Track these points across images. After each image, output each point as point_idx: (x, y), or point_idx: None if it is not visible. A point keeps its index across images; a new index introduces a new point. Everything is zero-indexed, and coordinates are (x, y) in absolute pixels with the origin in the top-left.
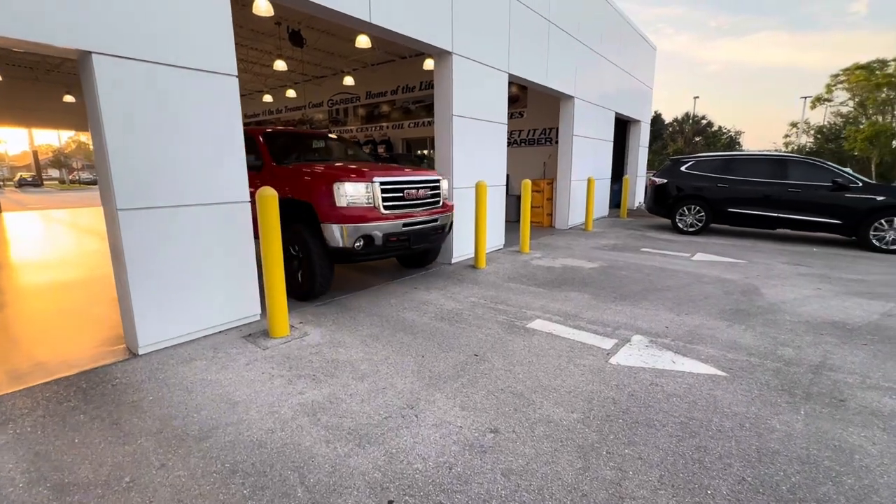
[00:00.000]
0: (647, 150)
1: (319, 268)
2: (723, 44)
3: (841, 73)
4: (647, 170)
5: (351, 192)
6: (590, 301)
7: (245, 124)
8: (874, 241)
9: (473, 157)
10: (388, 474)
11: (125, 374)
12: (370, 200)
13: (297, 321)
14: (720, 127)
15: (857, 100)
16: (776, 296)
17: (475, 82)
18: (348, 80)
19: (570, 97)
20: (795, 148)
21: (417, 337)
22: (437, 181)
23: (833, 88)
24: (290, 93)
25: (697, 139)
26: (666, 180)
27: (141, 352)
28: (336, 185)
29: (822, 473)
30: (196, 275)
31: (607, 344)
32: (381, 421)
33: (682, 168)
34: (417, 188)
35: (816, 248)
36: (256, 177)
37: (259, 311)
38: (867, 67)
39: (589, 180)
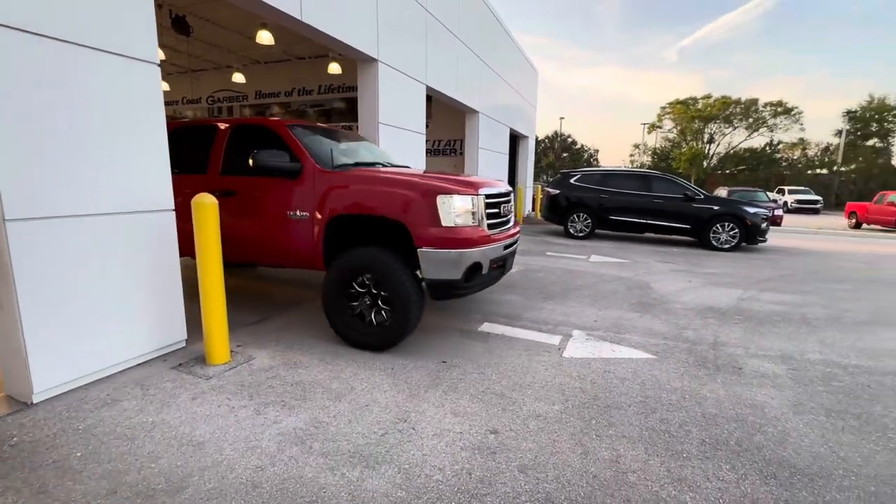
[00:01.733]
0: (533, 163)
1: (415, 306)
2: (578, 72)
3: (667, 105)
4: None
5: (459, 209)
6: (524, 302)
7: None
8: (713, 242)
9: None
10: (412, 491)
11: (24, 431)
12: (476, 218)
13: (233, 344)
14: (582, 145)
15: (678, 128)
16: (663, 289)
17: (398, 92)
18: (238, 77)
19: (476, 112)
20: (638, 165)
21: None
22: (512, 193)
23: (662, 118)
24: (164, 86)
25: (565, 155)
26: (558, 191)
27: (36, 399)
28: (441, 200)
29: (751, 426)
30: (105, 297)
31: (555, 340)
32: (380, 439)
33: (571, 180)
34: (509, 202)
35: (675, 249)
36: (294, 185)
37: (185, 335)
38: (684, 103)
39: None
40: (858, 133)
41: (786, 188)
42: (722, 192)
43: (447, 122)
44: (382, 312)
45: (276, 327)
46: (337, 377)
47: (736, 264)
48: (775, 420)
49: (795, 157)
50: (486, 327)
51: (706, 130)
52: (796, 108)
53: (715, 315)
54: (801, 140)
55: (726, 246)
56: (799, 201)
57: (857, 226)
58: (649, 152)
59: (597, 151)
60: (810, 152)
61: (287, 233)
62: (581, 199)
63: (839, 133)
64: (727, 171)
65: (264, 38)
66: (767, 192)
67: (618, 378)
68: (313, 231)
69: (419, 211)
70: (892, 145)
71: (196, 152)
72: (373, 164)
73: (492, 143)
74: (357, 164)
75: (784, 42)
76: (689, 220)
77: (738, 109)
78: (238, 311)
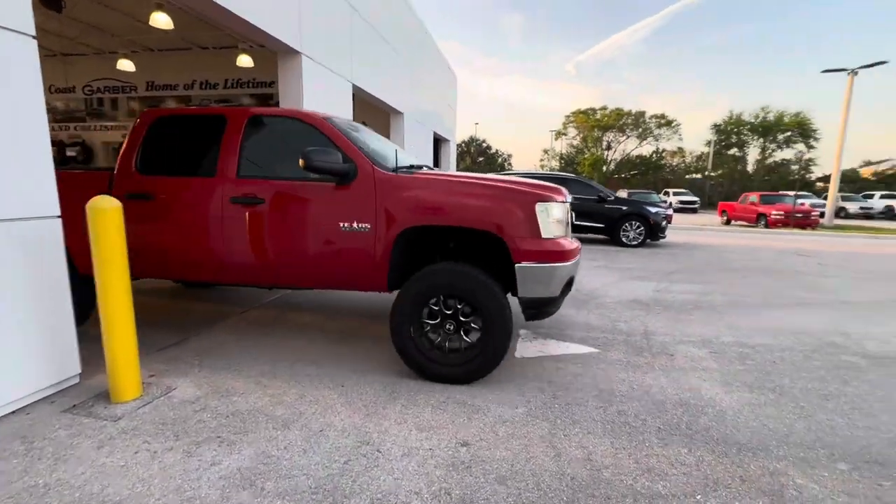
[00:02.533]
0: (456, 167)
1: (508, 329)
2: (487, 80)
3: (571, 115)
4: None
5: (555, 217)
6: None
7: None
8: (623, 239)
9: None
10: None
11: None
12: (565, 228)
13: (145, 374)
14: (497, 150)
15: (581, 136)
16: (591, 284)
17: (324, 88)
18: (125, 65)
19: (401, 113)
20: (548, 169)
21: (323, 365)
22: None
23: (567, 126)
24: None
25: (481, 159)
26: None
27: None
28: (539, 208)
29: (695, 409)
30: None
31: None
32: (343, 467)
33: None
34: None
35: (592, 246)
36: (347, 191)
37: (78, 369)
38: (585, 113)
39: None
40: (723, 143)
41: (670, 190)
42: (623, 194)
43: (369, 122)
44: (466, 339)
45: (197, 349)
46: (280, 402)
47: (645, 259)
48: (712, 401)
49: (676, 164)
50: None
51: (604, 138)
52: (675, 120)
53: (640, 307)
54: (680, 149)
55: (634, 242)
56: (681, 201)
57: (728, 222)
58: (557, 157)
59: (510, 156)
60: (688, 159)
61: (340, 249)
62: None
63: (708, 143)
64: (623, 176)
65: (160, 21)
66: (660, 195)
67: (571, 374)
68: (375, 246)
69: (518, 221)
70: (748, 154)
71: (195, 150)
72: (419, 167)
73: (416, 146)
74: (411, 167)
75: (665, 62)
76: (603, 219)
77: (629, 120)
78: (149, 333)
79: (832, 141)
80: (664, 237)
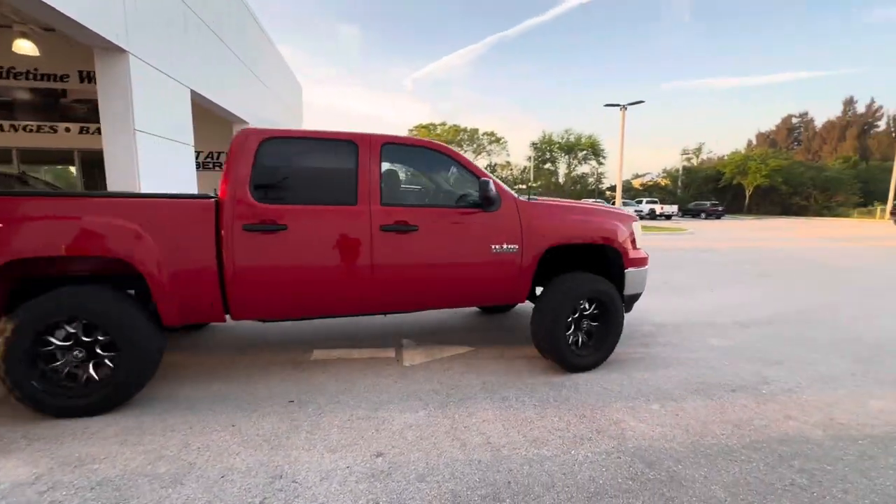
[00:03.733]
0: None
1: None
2: (322, 89)
3: (414, 128)
4: None
5: (640, 234)
6: (340, 322)
7: None
8: None
9: (165, 181)
10: None
11: None
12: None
13: None
14: None
15: None
16: None
17: (158, 94)
18: None
19: (245, 122)
20: None
21: (200, 410)
22: None
23: None
24: None
25: None
26: None
27: None
28: (636, 225)
29: (558, 384)
30: None
31: (390, 353)
32: None
33: None
34: None
35: None
36: (494, 217)
37: None
38: (427, 127)
39: None
40: (539, 158)
41: None
42: None
43: (206, 132)
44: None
45: (13, 417)
46: (162, 456)
47: None
48: (567, 376)
49: (506, 176)
50: (319, 354)
51: None
52: (503, 137)
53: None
54: (508, 162)
55: None
56: None
57: None
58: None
59: None
60: (514, 172)
61: (491, 268)
62: None
63: (529, 158)
64: None
65: None
66: None
67: (457, 373)
68: (521, 263)
69: (626, 237)
70: (559, 168)
71: (319, 176)
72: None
73: None
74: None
75: (488, 84)
76: None
77: (465, 136)
78: None
79: (616, 158)
80: None
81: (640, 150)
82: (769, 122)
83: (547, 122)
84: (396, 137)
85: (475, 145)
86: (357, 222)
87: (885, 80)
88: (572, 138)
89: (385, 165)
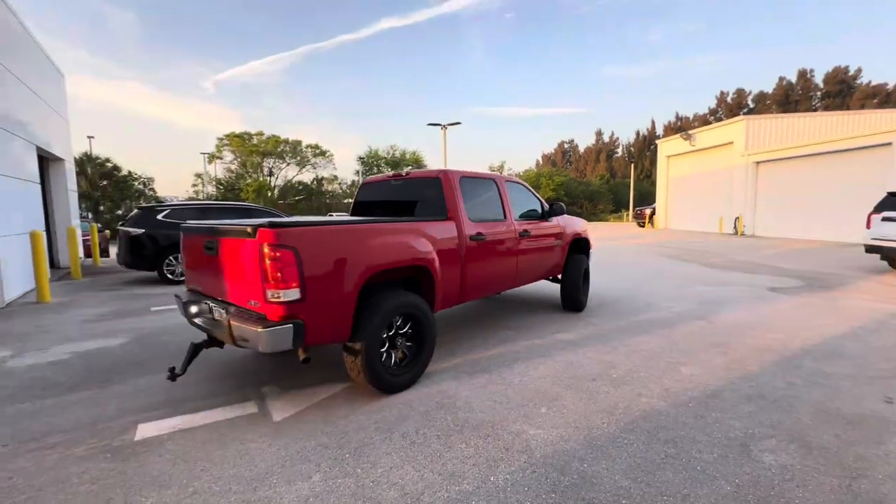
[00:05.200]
0: (76, 194)
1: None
2: (82, 80)
3: (224, 137)
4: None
5: None
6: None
7: None
8: None
9: None
10: None
11: None
12: None
13: None
14: (131, 172)
15: (240, 160)
16: None
17: None
18: None
19: None
20: (204, 196)
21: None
22: None
23: (221, 149)
24: None
25: (104, 182)
26: (142, 230)
27: None
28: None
29: (451, 406)
30: None
31: (252, 408)
32: None
33: (159, 217)
34: None
35: None
36: (550, 224)
37: None
38: (241, 136)
39: (35, 234)
40: (368, 172)
41: (333, 214)
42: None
43: None
44: None
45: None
46: None
47: None
48: (455, 394)
49: (333, 190)
50: (147, 430)
51: (265, 164)
52: (329, 150)
53: None
54: (335, 176)
55: None
56: None
57: None
58: (214, 182)
59: (152, 180)
60: (343, 186)
61: (554, 255)
62: (176, 237)
63: (357, 172)
64: (289, 202)
65: None
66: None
67: (339, 416)
68: (562, 253)
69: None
70: None
71: (485, 203)
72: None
73: (14, 168)
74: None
75: (306, 95)
76: None
77: (287, 148)
78: None
79: None
80: None
81: (455, 167)
82: (550, 146)
83: (370, 137)
84: (511, 177)
85: (298, 158)
86: (510, 230)
87: (618, 115)
88: (398, 154)
89: (511, 192)
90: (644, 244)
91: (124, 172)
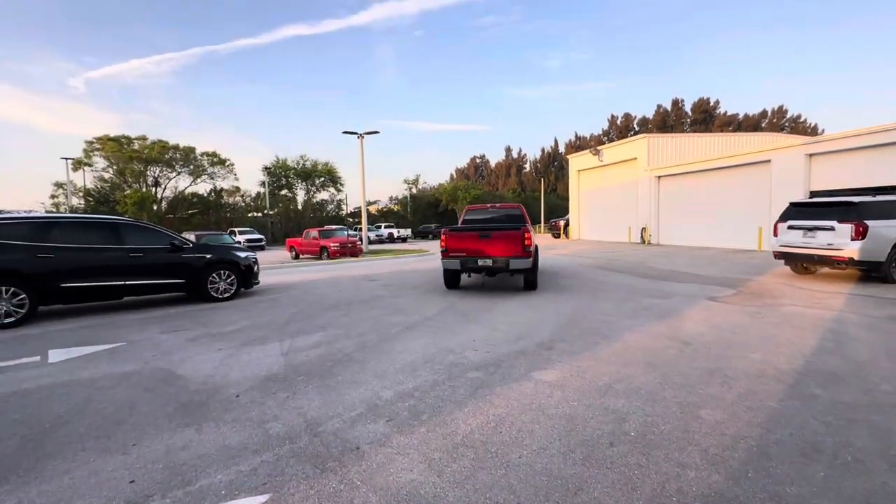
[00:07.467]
0: None
1: None
2: None
3: (95, 140)
4: None
5: None
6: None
7: None
8: (212, 293)
9: None
10: None
11: None
12: None
13: None
14: None
15: (116, 168)
16: (197, 372)
17: None
18: None
19: None
20: (67, 209)
21: None
22: None
23: (91, 154)
24: None
25: None
26: None
27: None
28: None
29: None
30: None
31: None
32: None
33: None
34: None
35: (172, 309)
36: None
37: None
38: (117, 140)
39: None
40: (275, 184)
41: (236, 230)
42: (190, 237)
43: None
44: None
45: None
46: None
47: (248, 312)
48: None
49: (235, 203)
50: None
51: (149, 173)
52: (229, 160)
53: (280, 385)
54: (237, 188)
55: (226, 294)
56: (249, 240)
57: (297, 257)
58: (81, 193)
59: None
60: (248, 198)
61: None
62: (1, 263)
63: (263, 183)
64: (180, 216)
65: None
66: (230, 235)
67: None
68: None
69: None
70: (297, 194)
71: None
72: None
73: None
74: None
75: (201, 100)
76: (182, 273)
77: (178, 155)
78: None
79: (355, 185)
80: (258, 282)
81: (368, 180)
82: (462, 161)
83: (276, 146)
84: (519, 207)
85: (192, 166)
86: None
87: (525, 132)
88: (308, 164)
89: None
90: (567, 254)
91: None
